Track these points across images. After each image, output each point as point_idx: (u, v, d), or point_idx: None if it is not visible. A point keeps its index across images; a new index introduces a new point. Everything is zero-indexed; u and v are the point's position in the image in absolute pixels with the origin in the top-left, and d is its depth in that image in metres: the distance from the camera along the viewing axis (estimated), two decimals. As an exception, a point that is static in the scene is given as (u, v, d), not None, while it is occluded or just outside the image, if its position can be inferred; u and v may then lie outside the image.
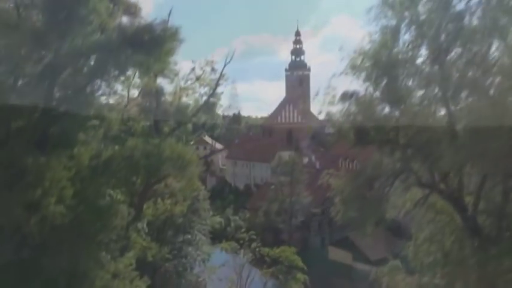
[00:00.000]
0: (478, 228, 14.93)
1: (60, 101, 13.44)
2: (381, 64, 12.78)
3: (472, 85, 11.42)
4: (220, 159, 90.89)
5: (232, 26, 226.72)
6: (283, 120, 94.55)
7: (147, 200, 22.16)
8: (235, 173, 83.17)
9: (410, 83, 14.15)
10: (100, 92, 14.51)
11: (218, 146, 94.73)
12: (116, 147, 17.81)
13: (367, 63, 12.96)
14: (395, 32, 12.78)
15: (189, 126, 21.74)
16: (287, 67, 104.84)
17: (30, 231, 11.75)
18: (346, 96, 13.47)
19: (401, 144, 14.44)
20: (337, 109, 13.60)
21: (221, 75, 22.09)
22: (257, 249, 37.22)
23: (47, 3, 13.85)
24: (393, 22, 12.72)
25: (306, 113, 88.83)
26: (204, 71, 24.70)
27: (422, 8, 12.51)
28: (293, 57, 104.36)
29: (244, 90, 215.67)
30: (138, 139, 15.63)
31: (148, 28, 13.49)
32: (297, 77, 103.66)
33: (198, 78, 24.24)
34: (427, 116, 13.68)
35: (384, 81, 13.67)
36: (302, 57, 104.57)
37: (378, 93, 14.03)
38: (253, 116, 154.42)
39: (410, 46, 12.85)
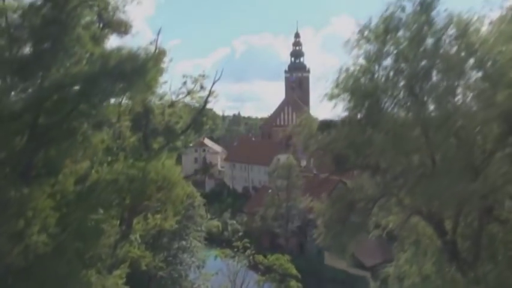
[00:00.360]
0: (456, 252, 15.17)
1: (45, 129, 13.73)
2: (359, 94, 13.03)
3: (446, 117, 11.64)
4: (219, 161, 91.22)
5: (233, 26, 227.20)
6: (282, 123, 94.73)
7: (137, 214, 22.41)
8: (233, 176, 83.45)
9: (389, 109, 14.41)
10: (85, 117, 14.74)
11: (217, 147, 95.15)
12: (104, 167, 18.17)
13: (345, 93, 13.22)
14: (372, 65, 13.03)
15: (179, 142, 21.94)
16: (286, 69, 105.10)
17: (14, 261, 12.06)
18: (324, 125, 13.72)
19: (382, 169, 14.68)
20: (315, 137, 13.84)
21: (210, 93, 22.32)
22: (251, 257, 37.56)
23: (34, 33, 14.15)
24: (370, 54, 12.96)
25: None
26: (195, 85, 24.94)
27: (399, 40, 12.72)
28: (292, 59, 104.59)
29: (244, 90, 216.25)
30: (124, 163, 15.90)
31: (131, 57, 13.74)
32: (296, 79, 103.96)
33: (189, 93, 24.48)
34: (407, 142, 13.85)
35: (363, 109, 13.93)
36: (302, 59, 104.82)
37: (357, 121, 14.30)
38: (254, 117, 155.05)
39: (388, 76, 13.08)
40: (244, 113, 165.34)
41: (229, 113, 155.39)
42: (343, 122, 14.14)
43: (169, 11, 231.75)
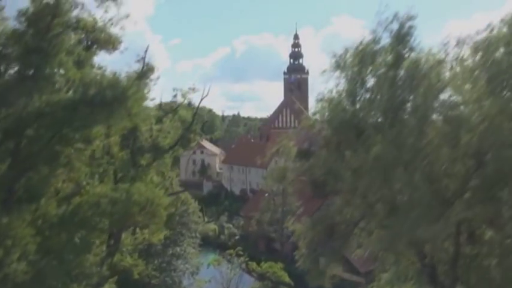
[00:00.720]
0: (435, 275, 15.36)
1: (27, 155, 13.92)
2: (338, 119, 13.19)
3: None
4: (217, 163, 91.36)
5: (233, 26, 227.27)
6: (280, 125, 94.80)
7: (126, 228, 22.60)
8: (231, 178, 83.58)
9: (369, 134, 14.53)
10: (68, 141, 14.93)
11: (216, 149, 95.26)
12: (95, 179, 18.41)
13: (320, 125, 13.42)
14: (348, 95, 13.20)
15: (166, 159, 22.14)
16: (285, 70, 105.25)
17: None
18: (302, 152, 13.89)
19: (360, 193, 14.83)
20: (294, 164, 14.02)
21: (197, 109, 22.55)
22: (244, 264, 37.99)
23: (17, 59, 14.34)
24: (345, 84, 13.14)
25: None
26: (184, 99, 25.22)
27: (374, 71, 12.88)
28: (291, 60, 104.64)
29: (244, 90, 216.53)
30: (107, 185, 16.10)
31: (112, 85, 13.87)
32: (296, 80, 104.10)
33: (178, 106, 24.75)
34: (385, 170, 13.92)
35: (342, 134, 14.10)
36: (300, 61, 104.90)
37: (335, 145, 14.45)
38: (254, 117, 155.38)
39: (370, 100, 13.23)
40: (244, 113, 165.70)
41: (229, 113, 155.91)
42: (322, 147, 14.32)
43: (169, 11, 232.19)
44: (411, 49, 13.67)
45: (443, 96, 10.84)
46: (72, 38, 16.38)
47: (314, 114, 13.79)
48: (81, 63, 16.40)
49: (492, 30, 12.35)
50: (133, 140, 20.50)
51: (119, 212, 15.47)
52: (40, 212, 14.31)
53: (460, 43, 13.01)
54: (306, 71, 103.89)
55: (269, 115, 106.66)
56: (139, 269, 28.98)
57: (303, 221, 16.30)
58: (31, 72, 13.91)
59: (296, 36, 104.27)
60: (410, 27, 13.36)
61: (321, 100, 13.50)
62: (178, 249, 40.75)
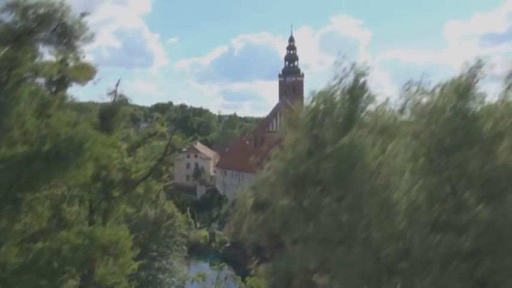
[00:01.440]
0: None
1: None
2: (289, 180, 13.27)
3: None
4: (211, 167, 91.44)
5: (231, 25, 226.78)
6: (274, 128, 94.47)
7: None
8: (224, 183, 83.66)
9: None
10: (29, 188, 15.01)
11: (210, 153, 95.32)
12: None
13: (275, 178, 13.50)
14: (301, 151, 13.26)
15: (139, 190, 22.18)
16: (280, 73, 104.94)
17: None
18: (258, 204, 13.98)
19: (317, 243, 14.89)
20: (249, 216, 14.13)
21: (170, 141, 22.62)
22: (227, 279, 38.08)
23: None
24: (298, 141, 13.19)
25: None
26: (162, 124, 25.32)
27: (325, 132, 12.93)
28: (286, 63, 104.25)
29: (242, 89, 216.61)
30: (69, 232, 16.15)
31: (68, 137, 13.87)
32: (292, 82, 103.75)
33: (154, 133, 24.83)
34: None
35: (292, 194, 14.17)
36: (296, 63, 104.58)
37: (292, 197, 14.53)
38: (251, 116, 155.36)
39: (316, 162, 13.28)
40: (242, 113, 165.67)
41: (226, 112, 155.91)
42: (278, 199, 14.42)
43: (166, 9, 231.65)
44: (369, 98, 13.77)
45: (379, 171, 10.87)
46: (36, 80, 16.43)
47: (269, 167, 13.87)
48: (47, 105, 16.42)
49: (443, 90, 12.42)
50: (105, 175, 20.49)
51: (81, 257, 15.55)
52: (0, 261, 14.40)
53: (419, 91, 13.14)
54: (301, 73, 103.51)
55: (266, 115, 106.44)
56: (122, 286, 29.05)
57: (264, 266, 16.45)
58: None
59: (291, 39, 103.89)
60: (364, 82, 13.44)
61: (276, 155, 13.58)
62: (164, 262, 40.98)
